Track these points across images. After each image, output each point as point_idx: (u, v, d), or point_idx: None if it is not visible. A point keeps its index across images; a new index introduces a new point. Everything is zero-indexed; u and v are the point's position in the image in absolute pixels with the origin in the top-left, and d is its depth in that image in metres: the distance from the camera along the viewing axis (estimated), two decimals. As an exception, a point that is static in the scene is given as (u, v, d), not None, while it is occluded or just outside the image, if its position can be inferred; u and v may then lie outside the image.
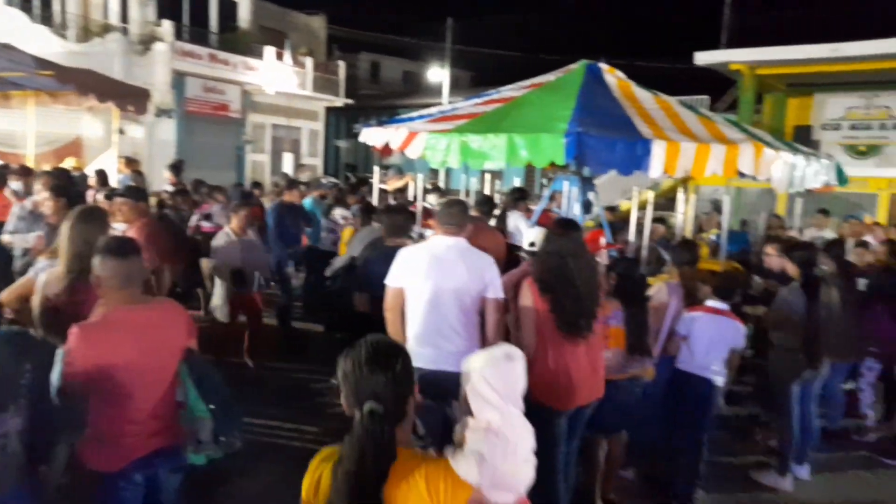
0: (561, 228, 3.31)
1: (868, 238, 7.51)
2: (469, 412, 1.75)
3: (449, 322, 3.31)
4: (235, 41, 20.69)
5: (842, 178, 5.68)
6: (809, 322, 4.08)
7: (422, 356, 3.20)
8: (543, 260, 3.26)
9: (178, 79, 18.51)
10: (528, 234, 4.05)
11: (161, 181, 10.17)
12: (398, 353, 1.69)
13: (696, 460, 4.03)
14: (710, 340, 4.01)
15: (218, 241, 5.79)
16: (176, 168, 9.00)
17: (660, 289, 4.09)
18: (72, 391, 2.33)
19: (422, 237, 6.15)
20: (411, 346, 3.31)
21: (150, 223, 4.68)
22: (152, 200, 7.81)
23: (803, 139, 14.97)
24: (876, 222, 9.46)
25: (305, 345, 6.72)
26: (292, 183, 8.09)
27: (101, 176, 8.10)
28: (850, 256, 5.80)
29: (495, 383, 1.73)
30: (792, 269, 4.40)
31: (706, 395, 4.07)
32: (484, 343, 3.28)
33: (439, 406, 3.02)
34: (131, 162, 9.96)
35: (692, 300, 4.08)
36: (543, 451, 3.31)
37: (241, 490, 3.96)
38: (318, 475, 1.71)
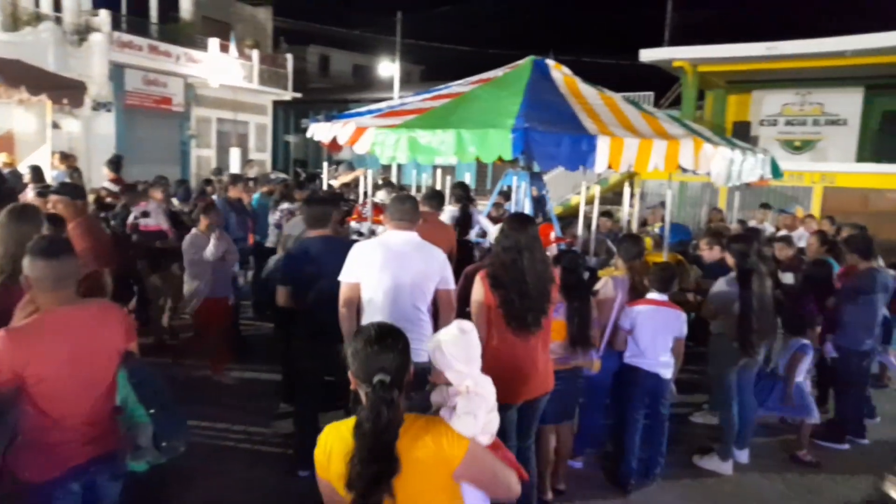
0: (517, 223, 3.33)
1: (801, 230, 7.84)
2: (447, 382, 2.16)
3: (406, 315, 3.33)
4: (177, 32, 20.05)
5: (776, 171, 5.91)
6: (742, 311, 4.21)
7: None
8: (498, 255, 3.29)
9: (117, 71, 17.83)
10: (492, 231, 4.11)
11: (100, 178, 9.78)
12: (400, 333, 2.00)
13: (637, 447, 4.22)
14: (654, 331, 4.11)
15: (195, 242, 5.56)
16: (114, 164, 8.64)
17: (606, 283, 4.17)
18: (0, 398, 2.23)
19: (373, 233, 6.12)
20: None
21: (88, 222, 4.49)
22: (90, 198, 7.53)
23: (742, 135, 15.53)
24: (809, 214, 9.89)
25: (247, 345, 6.58)
26: (236, 178, 7.89)
27: (37, 172, 7.72)
28: (774, 251, 6.09)
29: (460, 355, 2.17)
30: (730, 259, 4.53)
31: (654, 389, 4.20)
32: None
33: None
34: (67, 157, 9.51)
35: (638, 294, 4.14)
36: None
37: (192, 494, 3.86)
38: (329, 447, 1.94)
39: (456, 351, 2.17)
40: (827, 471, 4.60)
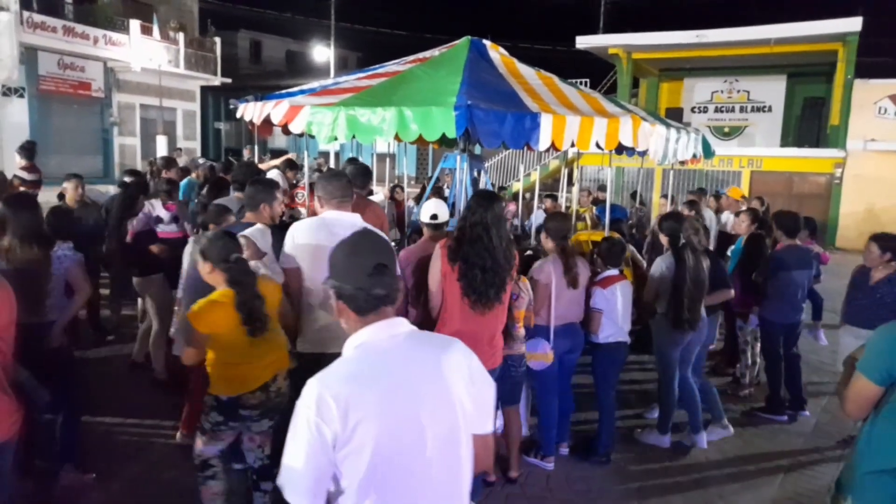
0: (485, 200, 3.28)
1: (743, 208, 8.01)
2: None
3: None
4: (95, 13, 18.91)
5: (707, 150, 6.00)
6: (674, 285, 4.25)
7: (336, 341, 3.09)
8: (465, 230, 3.22)
9: (29, 54, 16.69)
10: (426, 207, 3.90)
11: (13, 168, 9.07)
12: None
13: (614, 420, 4.35)
14: (625, 305, 4.23)
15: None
16: (27, 150, 8.03)
17: (542, 265, 4.07)
18: None
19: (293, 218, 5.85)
20: (320, 328, 3.17)
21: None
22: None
23: (675, 121, 15.94)
24: (743, 195, 10.21)
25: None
26: (170, 162, 7.48)
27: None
28: (730, 226, 6.17)
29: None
30: (663, 238, 4.58)
31: (623, 358, 4.37)
32: None
33: None
34: (-29, 145, 8.78)
35: (571, 275, 4.02)
36: None
37: (99, 492, 3.61)
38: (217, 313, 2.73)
39: None
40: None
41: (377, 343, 1.60)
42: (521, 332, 3.76)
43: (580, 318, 4.15)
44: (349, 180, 3.39)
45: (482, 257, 3.16)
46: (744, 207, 7.20)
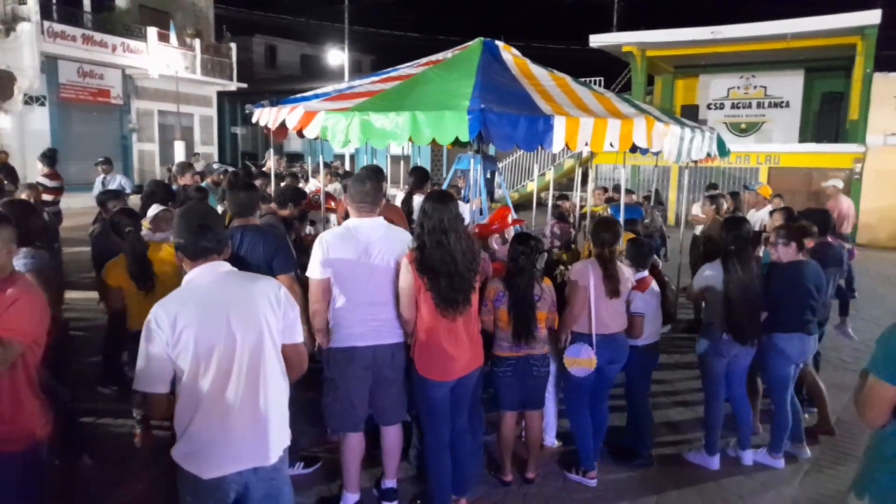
0: (439, 202, 3.22)
1: (768, 207, 7.77)
2: None
3: (380, 300, 3.29)
4: (113, 21, 19.19)
5: (722, 149, 5.95)
6: (728, 296, 3.98)
7: (357, 335, 3.27)
8: (421, 238, 3.19)
9: (49, 63, 16.98)
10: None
11: (36, 174, 9.25)
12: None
13: (651, 419, 4.33)
14: (655, 309, 4.19)
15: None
16: (48, 158, 8.20)
17: (581, 265, 3.91)
18: None
19: (327, 222, 5.92)
20: (347, 327, 3.26)
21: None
22: (25, 195, 7.06)
23: (691, 118, 15.80)
24: (778, 194, 9.89)
25: None
26: (186, 167, 7.59)
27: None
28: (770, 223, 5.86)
29: None
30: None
31: (657, 359, 4.33)
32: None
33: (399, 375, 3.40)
34: (-5, 154, 8.99)
35: (611, 281, 3.84)
36: (426, 421, 3.37)
37: (123, 492, 3.67)
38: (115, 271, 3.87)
39: None
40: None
41: (201, 277, 2.29)
42: (543, 333, 3.75)
43: (623, 328, 3.97)
44: (376, 185, 3.36)
45: (445, 263, 3.12)
46: (770, 207, 7.05)
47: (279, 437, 2.35)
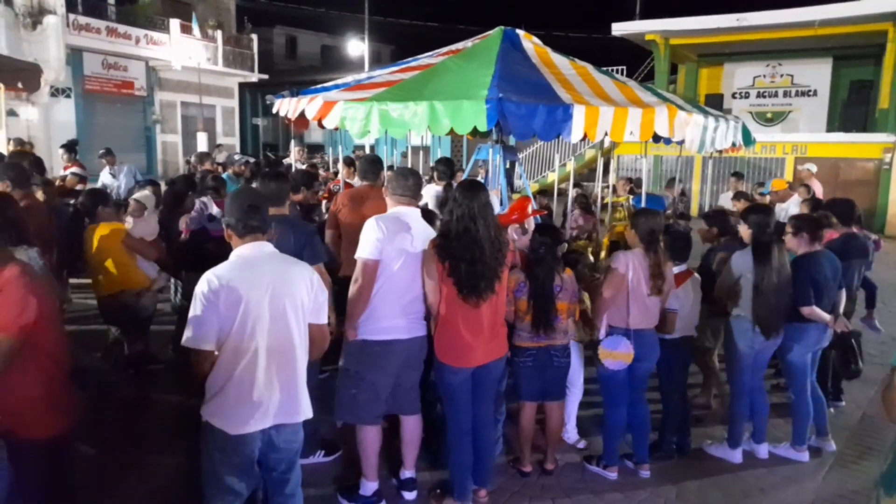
0: (468, 191, 3.22)
1: (795, 197, 7.62)
2: None
3: (418, 292, 3.33)
4: (136, 14, 19.40)
5: (748, 139, 5.84)
6: (759, 288, 3.88)
7: (398, 328, 3.29)
8: (450, 224, 3.19)
9: (74, 55, 17.22)
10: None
11: (60, 165, 9.43)
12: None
13: (679, 414, 4.24)
14: (695, 301, 4.13)
15: None
16: (69, 148, 8.40)
17: (622, 254, 3.78)
18: None
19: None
20: (387, 318, 3.27)
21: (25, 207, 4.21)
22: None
23: (715, 108, 15.54)
24: (788, 183, 9.75)
25: None
26: (204, 155, 7.69)
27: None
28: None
29: None
30: (745, 231, 4.17)
31: (691, 353, 4.26)
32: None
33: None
34: (22, 145, 9.14)
35: (658, 279, 3.72)
36: (446, 408, 3.39)
37: (146, 479, 3.71)
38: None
39: None
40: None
41: (248, 254, 2.52)
42: (564, 324, 3.74)
43: (653, 325, 3.86)
44: (417, 180, 3.44)
45: (469, 250, 3.11)
46: (797, 198, 6.88)
47: (303, 402, 2.62)
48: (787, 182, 8.79)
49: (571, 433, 4.35)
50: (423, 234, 3.33)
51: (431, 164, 9.93)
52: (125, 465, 3.83)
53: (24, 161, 5.94)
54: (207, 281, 2.40)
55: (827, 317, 4.05)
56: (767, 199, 7.74)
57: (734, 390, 4.26)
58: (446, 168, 6.11)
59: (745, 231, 4.19)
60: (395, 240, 3.21)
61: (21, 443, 2.49)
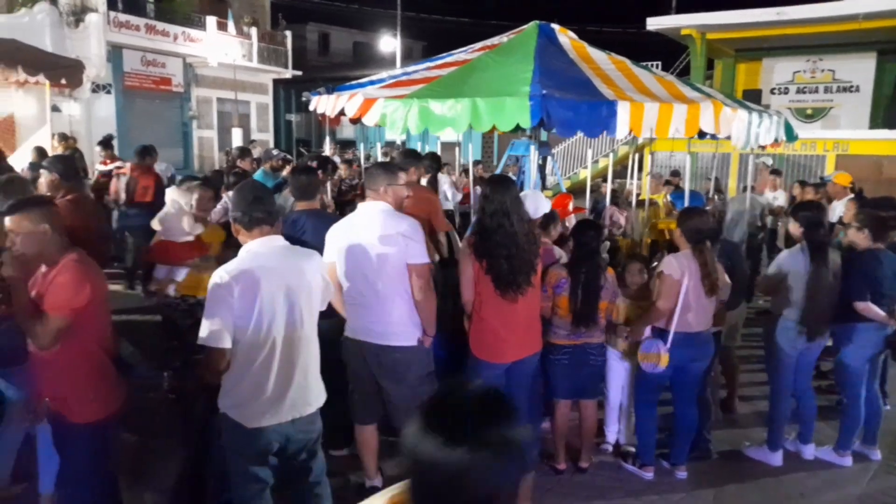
0: (500, 186, 3.22)
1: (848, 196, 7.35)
2: None
3: (375, 291, 3.19)
4: (174, 11, 19.72)
5: (790, 134, 5.73)
6: (811, 288, 3.80)
7: (370, 331, 3.24)
8: (482, 221, 3.19)
9: (115, 52, 17.58)
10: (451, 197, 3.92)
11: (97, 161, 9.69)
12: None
13: (709, 412, 4.18)
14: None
15: None
16: (106, 144, 8.68)
17: (674, 258, 3.71)
18: None
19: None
20: (359, 327, 3.27)
21: (77, 198, 4.32)
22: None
23: (753, 104, 15.23)
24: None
25: None
26: (244, 152, 7.83)
27: (41, 153, 7.66)
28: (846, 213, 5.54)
29: None
30: (796, 229, 4.05)
31: (715, 350, 4.11)
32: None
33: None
34: (66, 139, 9.42)
35: (710, 278, 3.63)
36: None
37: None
38: None
39: None
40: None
41: (258, 248, 2.52)
42: (603, 322, 3.73)
43: (708, 327, 3.79)
44: (380, 173, 3.29)
45: (506, 246, 3.11)
46: (849, 196, 6.66)
47: (316, 393, 2.69)
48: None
49: (613, 434, 4.28)
50: (382, 228, 3.13)
51: (463, 160, 9.92)
52: (164, 455, 3.92)
53: (75, 154, 6.13)
54: (220, 278, 2.41)
55: (882, 314, 3.91)
56: (828, 186, 7.43)
57: (775, 391, 4.18)
58: (432, 163, 6.45)
59: (794, 228, 4.08)
60: (341, 240, 3.19)
61: (68, 427, 2.56)
